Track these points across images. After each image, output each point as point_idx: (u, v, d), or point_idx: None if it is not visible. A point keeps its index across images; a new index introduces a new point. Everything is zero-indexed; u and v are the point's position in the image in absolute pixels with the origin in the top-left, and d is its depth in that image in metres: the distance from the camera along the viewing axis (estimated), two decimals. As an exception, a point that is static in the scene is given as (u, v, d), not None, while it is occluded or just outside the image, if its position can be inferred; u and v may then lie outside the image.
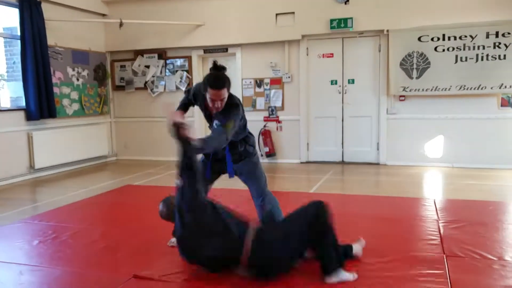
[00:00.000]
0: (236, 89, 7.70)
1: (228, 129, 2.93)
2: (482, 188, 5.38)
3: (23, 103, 6.63)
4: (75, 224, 4.03)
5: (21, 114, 6.60)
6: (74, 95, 7.60)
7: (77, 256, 3.24)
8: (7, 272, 2.98)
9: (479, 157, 6.69)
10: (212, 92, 2.91)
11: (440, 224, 3.76)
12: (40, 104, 6.67)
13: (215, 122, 3.05)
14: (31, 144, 6.67)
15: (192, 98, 3.31)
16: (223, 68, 3.05)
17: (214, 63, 3.05)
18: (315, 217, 2.69)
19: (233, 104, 3.05)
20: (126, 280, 2.75)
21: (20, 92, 6.64)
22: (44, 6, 6.72)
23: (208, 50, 7.90)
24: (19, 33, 6.46)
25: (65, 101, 7.41)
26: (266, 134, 7.58)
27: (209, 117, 3.20)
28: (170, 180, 6.32)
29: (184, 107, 3.35)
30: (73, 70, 7.58)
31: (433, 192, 5.38)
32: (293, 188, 5.59)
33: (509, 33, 6.29)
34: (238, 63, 7.73)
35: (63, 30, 7.32)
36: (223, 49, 7.78)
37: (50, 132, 7.00)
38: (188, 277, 2.78)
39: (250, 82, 7.68)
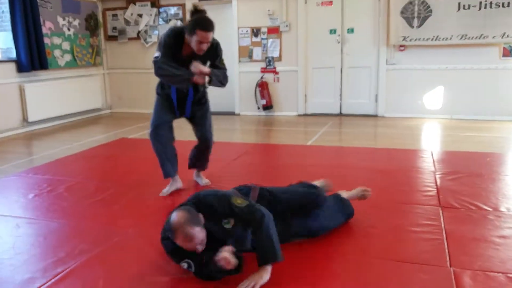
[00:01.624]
0: (232, 39, 7.50)
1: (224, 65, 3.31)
2: (480, 140, 5.36)
3: (13, 55, 6.47)
4: (70, 177, 4.02)
5: (12, 65, 6.45)
6: (66, 45, 7.40)
7: (73, 209, 3.25)
8: (4, 225, 2.99)
9: (478, 109, 6.63)
10: (203, 34, 2.98)
11: (437, 176, 3.77)
12: (31, 55, 6.52)
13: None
14: (24, 97, 6.55)
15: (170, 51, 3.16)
16: (205, 12, 3.14)
17: (195, 7, 3.12)
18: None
19: (215, 43, 3.25)
20: (122, 233, 2.76)
21: (10, 43, 6.46)
22: (30, -49, 6.41)
23: (203, -3, 7.62)
24: (5, -20, 6.22)
25: (57, 52, 7.22)
26: (263, 86, 7.46)
27: (182, 63, 3.14)
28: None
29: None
30: (64, 19, 7.34)
31: (430, 144, 5.35)
32: (290, 141, 5.56)
33: (515, -21, 6.07)
34: (234, 11, 7.48)
35: (51, -23, 7.03)
36: (219, -4, 7.53)
37: (42, 84, 6.87)
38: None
39: (247, 31, 7.46)
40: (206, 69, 3.09)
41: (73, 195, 3.54)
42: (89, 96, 7.87)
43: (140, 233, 2.77)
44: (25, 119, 6.62)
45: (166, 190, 3.52)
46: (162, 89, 3.43)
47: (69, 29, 7.45)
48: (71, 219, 3.05)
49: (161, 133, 3.41)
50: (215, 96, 7.94)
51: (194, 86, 3.27)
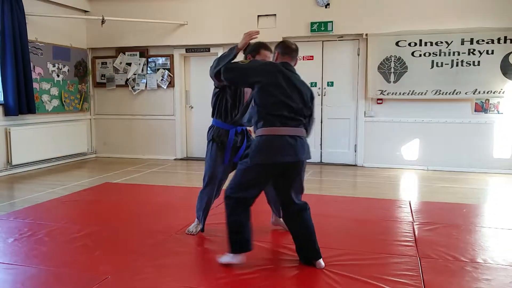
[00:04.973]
0: (218, 89, 7.73)
1: None
2: (456, 190, 5.52)
3: (1, 98, 6.56)
4: (52, 221, 4.00)
5: (-1, 109, 6.54)
6: (54, 91, 7.54)
7: (53, 255, 3.20)
8: (-20, 270, 2.93)
9: (453, 161, 6.87)
10: (266, 53, 3.26)
11: (415, 226, 3.85)
12: (19, 99, 6.61)
13: None
14: (9, 140, 6.59)
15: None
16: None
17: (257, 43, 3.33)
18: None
19: None
20: (102, 280, 2.74)
21: (-1, 87, 6.57)
22: (25, 1, 6.65)
23: (190, 49, 7.91)
24: (-2, 27, 6.39)
25: (45, 97, 7.34)
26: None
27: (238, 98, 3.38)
28: (149, 178, 6.35)
29: None
30: (54, 66, 7.51)
31: (408, 194, 5.48)
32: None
33: (483, 40, 6.48)
34: (220, 63, 7.75)
35: (44, 26, 7.25)
36: (205, 48, 7.81)
37: (28, 128, 6.93)
38: (165, 279, 2.80)
39: (232, 82, 7.70)
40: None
41: (54, 240, 3.49)
42: (75, 140, 7.94)
43: (119, 280, 2.76)
44: (9, 162, 6.62)
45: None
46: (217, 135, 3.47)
47: (58, 75, 7.61)
48: (50, 265, 2.99)
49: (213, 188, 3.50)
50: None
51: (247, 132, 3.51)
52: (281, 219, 3.39)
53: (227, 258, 2.93)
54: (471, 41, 6.53)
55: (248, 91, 3.39)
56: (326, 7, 7.05)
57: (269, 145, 2.78)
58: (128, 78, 8.20)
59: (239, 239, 2.87)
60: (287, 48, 3.01)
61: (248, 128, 3.47)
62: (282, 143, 2.76)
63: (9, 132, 6.59)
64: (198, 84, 8.03)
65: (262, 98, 2.84)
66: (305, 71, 7.29)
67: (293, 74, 2.96)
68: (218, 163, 3.44)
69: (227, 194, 2.89)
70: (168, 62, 8.01)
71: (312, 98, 2.98)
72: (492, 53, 6.47)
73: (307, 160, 2.91)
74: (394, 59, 6.85)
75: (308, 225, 2.96)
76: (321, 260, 2.92)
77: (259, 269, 2.92)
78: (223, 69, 2.97)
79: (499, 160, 6.70)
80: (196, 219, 3.68)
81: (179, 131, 8.12)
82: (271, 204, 3.70)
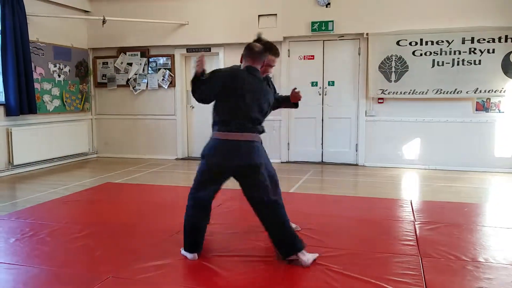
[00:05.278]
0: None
1: None
2: (457, 190, 5.51)
3: (2, 99, 6.57)
4: (54, 221, 4.00)
5: (0, 109, 6.53)
6: (55, 91, 7.55)
7: (54, 254, 3.20)
8: (-18, 271, 2.93)
9: (454, 160, 6.87)
10: (273, 59, 3.36)
11: (416, 225, 3.85)
12: (20, 99, 6.62)
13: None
14: (10, 140, 6.60)
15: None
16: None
17: (259, 37, 3.35)
18: None
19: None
20: (103, 280, 2.74)
21: (0, 87, 6.57)
22: (26, 1, 6.67)
23: (191, 49, 7.92)
24: (-1, 28, 6.41)
25: (46, 97, 7.35)
26: (247, 133, 7.64)
27: None
28: (150, 178, 6.36)
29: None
30: (55, 66, 7.52)
31: (409, 194, 5.47)
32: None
33: (484, 39, 6.47)
34: (221, 63, 7.77)
35: (45, 26, 7.27)
36: (206, 48, 7.82)
37: (30, 128, 6.94)
38: (166, 279, 2.81)
39: (233, 81, 7.70)
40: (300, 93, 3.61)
41: (56, 240, 3.50)
42: (76, 140, 7.96)
43: (120, 280, 2.76)
44: (10, 162, 6.64)
45: None
46: None
47: (59, 75, 7.62)
48: (51, 265, 3.00)
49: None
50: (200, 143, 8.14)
51: None
52: None
53: (184, 252, 3.12)
54: (472, 40, 6.52)
55: None
56: (326, 7, 7.05)
57: (221, 148, 2.93)
58: (129, 78, 8.21)
59: (190, 241, 3.08)
60: (250, 51, 3.08)
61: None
62: (237, 147, 2.91)
63: (11, 132, 6.60)
64: (199, 84, 8.03)
65: (222, 104, 2.96)
66: (306, 70, 7.43)
67: (256, 80, 3.04)
68: None
69: (191, 193, 3.10)
70: (169, 62, 8.02)
71: (269, 106, 3.15)
72: (493, 52, 6.47)
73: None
74: (395, 58, 6.85)
75: (278, 222, 2.98)
76: (302, 254, 2.93)
77: (259, 268, 2.93)
78: (192, 93, 3.01)
79: (501, 159, 6.70)
80: None
81: (180, 131, 8.13)
82: None
